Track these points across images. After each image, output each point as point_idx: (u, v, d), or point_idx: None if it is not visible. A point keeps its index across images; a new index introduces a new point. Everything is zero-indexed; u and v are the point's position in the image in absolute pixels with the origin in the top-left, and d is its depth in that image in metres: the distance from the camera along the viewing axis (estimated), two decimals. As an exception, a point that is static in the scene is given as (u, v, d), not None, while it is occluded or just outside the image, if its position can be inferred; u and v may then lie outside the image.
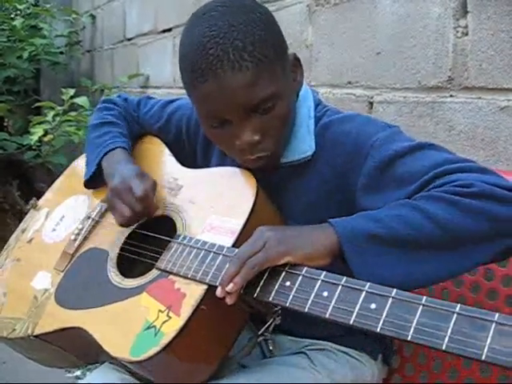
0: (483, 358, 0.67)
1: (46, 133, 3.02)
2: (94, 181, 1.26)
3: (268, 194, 1.08)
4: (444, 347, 0.70)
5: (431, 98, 1.47)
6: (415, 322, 0.73)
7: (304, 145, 1.07)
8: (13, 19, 3.84)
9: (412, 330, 0.73)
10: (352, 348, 1.14)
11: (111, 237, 1.19)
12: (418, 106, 1.51)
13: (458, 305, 0.72)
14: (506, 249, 0.89)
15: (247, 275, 0.87)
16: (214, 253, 0.98)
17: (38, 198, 1.50)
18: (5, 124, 4.66)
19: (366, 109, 1.67)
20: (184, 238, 1.06)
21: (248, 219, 1.01)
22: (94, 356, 1.14)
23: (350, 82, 1.73)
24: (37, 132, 2.82)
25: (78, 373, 2.42)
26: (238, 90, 0.95)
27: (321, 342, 1.14)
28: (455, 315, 0.71)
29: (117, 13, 3.72)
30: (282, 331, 1.15)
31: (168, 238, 1.09)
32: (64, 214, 1.35)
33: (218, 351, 0.99)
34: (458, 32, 1.38)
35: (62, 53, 4.15)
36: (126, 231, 1.18)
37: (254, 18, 0.97)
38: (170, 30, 2.98)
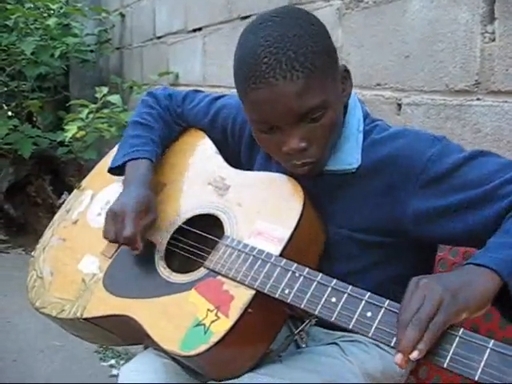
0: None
1: (79, 129, 3.11)
2: (118, 170, 1.33)
3: (312, 202, 1.12)
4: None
5: (458, 101, 1.51)
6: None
7: (350, 157, 1.11)
8: (45, 18, 3.95)
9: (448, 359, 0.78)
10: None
11: (159, 230, 1.24)
12: (445, 109, 1.55)
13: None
14: None
15: (431, 342, 0.79)
16: (263, 260, 1.03)
17: (70, 192, 1.54)
18: (33, 119, 4.76)
19: (395, 110, 1.71)
20: (232, 240, 1.11)
21: (295, 229, 1.05)
22: (139, 340, 1.20)
23: (379, 84, 1.78)
24: (71, 129, 2.91)
25: (113, 361, 2.51)
26: (289, 98, 1.00)
27: (352, 334, 1.18)
28: (488, 350, 0.76)
29: (146, 11, 3.79)
30: (315, 324, 1.20)
31: (216, 239, 1.13)
32: (109, 199, 1.37)
33: (259, 348, 1.06)
34: (485, 38, 1.42)
35: (92, 51, 4.24)
36: (173, 226, 1.23)
37: (308, 29, 1.02)
38: (200, 29, 3.04)
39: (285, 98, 1.00)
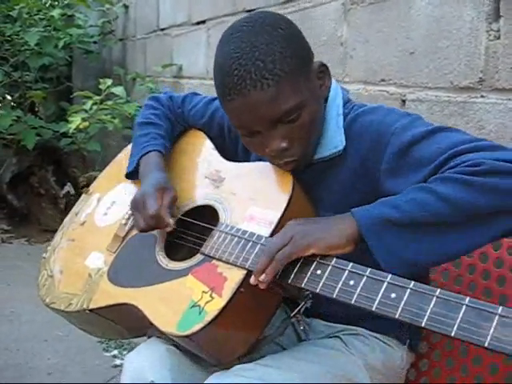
0: (486, 345, 0.76)
1: (82, 121, 3.12)
2: (135, 173, 1.38)
3: (303, 188, 1.16)
4: (453, 334, 0.79)
5: (462, 98, 1.52)
6: (429, 310, 0.83)
7: (335, 140, 1.15)
8: (48, 9, 3.95)
9: (426, 317, 0.82)
10: (382, 333, 1.22)
11: None
12: (449, 106, 1.56)
13: (467, 298, 0.81)
14: None
15: (277, 267, 0.99)
16: (253, 242, 1.08)
17: (73, 183, 1.62)
18: (36, 109, 4.77)
19: (399, 106, 1.72)
20: (226, 226, 1.16)
21: (284, 211, 1.10)
22: (143, 329, 1.25)
23: (383, 80, 1.79)
24: (75, 121, 2.92)
25: (115, 352, 2.54)
26: (262, 106, 1.04)
27: (353, 327, 1.22)
28: (464, 306, 0.80)
29: (150, 3, 3.80)
30: (316, 316, 1.24)
31: (211, 226, 1.18)
32: (114, 199, 1.46)
33: (254, 328, 1.10)
34: (490, 35, 1.43)
35: (95, 42, 4.25)
36: (174, 218, 1.27)
37: (276, 35, 1.06)
38: (204, 22, 3.04)
39: (258, 106, 1.05)
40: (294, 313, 1.18)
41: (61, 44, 3.78)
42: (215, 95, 1.44)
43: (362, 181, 1.12)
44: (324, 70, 1.15)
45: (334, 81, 1.21)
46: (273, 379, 1.06)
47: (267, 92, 1.03)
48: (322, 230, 1.00)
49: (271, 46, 1.04)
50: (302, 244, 0.98)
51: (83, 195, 1.59)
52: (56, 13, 3.65)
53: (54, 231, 1.60)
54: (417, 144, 1.03)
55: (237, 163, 1.30)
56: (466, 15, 1.49)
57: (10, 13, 3.76)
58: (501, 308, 0.77)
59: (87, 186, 1.65)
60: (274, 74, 1.03)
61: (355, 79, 1.91)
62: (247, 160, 1.31)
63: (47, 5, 4.05)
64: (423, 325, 0.83)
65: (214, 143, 1.39)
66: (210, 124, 1.41)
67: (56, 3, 3.86)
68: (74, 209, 1.58)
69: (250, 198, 1.18)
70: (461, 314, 0.80)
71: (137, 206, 1.25)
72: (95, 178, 1.64)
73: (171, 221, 1.22)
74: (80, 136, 3.59)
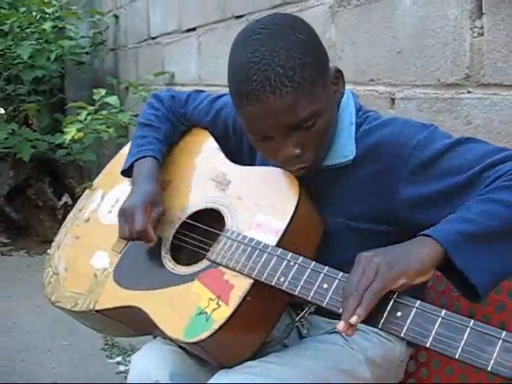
0: (489, 369, 0.78)
1: (77, 131, 3.14)
2: (128, 172, 1.39)
3: (310, 195, 1.17)
4: (457, 356, 0.81)
5: (450, 95, 1.55)
6: (434, 331, 0.84)
7: (345, 150, 1.15)
8: (39, 21, 3.97)
9: (431, 338, 0.84)
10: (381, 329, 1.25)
11: (164, 225, 1.30)
12: (437, 102, 1.59)
13: (472, 320, 0.83)
14: None
15: (369, 306, 0.89)
16: (260, 250, 1.09)
17: (70, 194, 1.63)
18: (29, 122, 4.78)
19: (389, 105, 1.76)
20: (233, 232, 1.16)
21: (291, 220, 1.11)
22: (149, 330, 1.25)
23: (372, 80, 1.82)
24: (70, 132, 2.95)
25: (119, 358, 2.56)
26: (280, 113, 1.04)
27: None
28: (468, 329, 0.82)
29: (140, 12, 3.82)
30: (317, 313, 1.25)
31: (218, 232, 1.19)
32: (118, 197, 1.44)
33: (260, 334, 1.11)
34: (474, 32, 1.46)
35: (87, 53, 4.27)
36: (178, 221, 1.29)
37: (295, 40, 1.05)
38: (194, 29, 3.07)
39: (276, 113, 1.04)
40: (299, 317, 1.21)
41: (53, 56, 3.81)
42: (218, 93, 1.45)
43: (375, 191, 1.13)
44: (339, 75, 1.15)
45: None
46: (277, 375, 1.09)
47: (285, 99, 1.03)
48: (405, 258, 0.93)
49: (291, 52, 1.03)
50: (392, 275, 0.91)
51: (87, 190, 1.59)
52: (48, 25, 3.68)
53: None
54: (441, 157, 1.05)
55: (243, 166, 1.30)
56: (449, 14, 1.52)
57: (2, 27, 3.79)
58: (504, 333, 0.79)
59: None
60: (293, 81, 1.02)
61: (345, 80, 1.93)
62: (253, 160, 1.31)
63: (37, 17, 4.08)
64: (428, 345, 0.84)
65: (218, 142, 1.39)
66: (215, 123, 1.40)
67: (47, 16, 3.88)
68: (78, 204, 1.58)
69: (256, 203, 1.18)
70: (465, 337, 0.81)
71: (125, 216, 1.25)
72: (92, 187, 1.65)
73: (154, 238, 1.23)
74: (75, 147, 3.61)
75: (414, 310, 0.88)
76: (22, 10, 4.00)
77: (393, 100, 1.75)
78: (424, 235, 0.95)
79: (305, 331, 1.27)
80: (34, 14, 4.09)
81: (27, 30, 3.86)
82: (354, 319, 0.89)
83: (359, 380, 1.18)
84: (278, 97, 1.03)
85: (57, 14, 3.92)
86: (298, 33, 1.07)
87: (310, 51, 1.06)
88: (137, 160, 1.36)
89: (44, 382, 2.39)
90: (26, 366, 2.52)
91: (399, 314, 0.89)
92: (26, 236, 4.24)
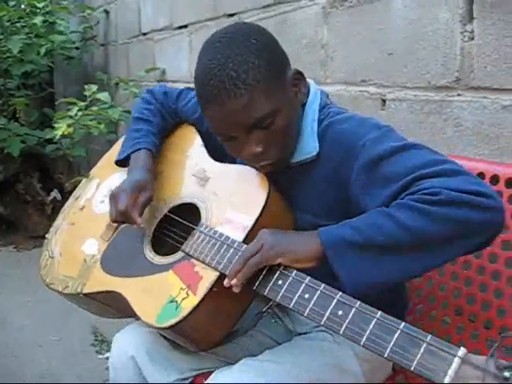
0: (412, 369, 0.83)
1: (68, 127, 3.13)
2: (123, 162, 1.46)
3: (280, 191, 1.22)
4: (385, 355, 0.86)
5: (440, 97, 1.58)
6: (368, 331, 0.89)
7: (309, 146, 1.20)
8: (29, 16, 3.95)
9: (365, 337, 0.89)
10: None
11: (149, 216, 1.38)
12: (427, 104, 1.62)
13: (403, 323, 0.87)
14: (478, 245, 1.00)
15: (246, 273, 1.06)
16: (227, 245, 1.16)
17: (59, 189, 1.70)
18: (17, 116, 4.76)
19: (379, 106, 1.79)
20: (206, 227, 1.23)
21: (258, 217, 1.17)
22: (130, 313, 1.32)
23: (363, 80, 1.85)
24: (61, 127, 2.95)
25: (108, 354, 2.56)
26: (236, 113, 1.11)
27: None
28: (398, 331, 0.87)
29: (131, 8, 3.82)
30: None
31: (193, 226, 1.26)
32: (111, 188, 1.47)
33: (227, 322, 1.18)
34: (464, 36, 1.49)
35: (77, 48, 4.26)
36: (161, 214, 1.36)
37: (249, 45, 1.11)
38: (185, 26, 3.08)
39: (232, 114, 1.11)
40: (265, 309, 1.32)
41: (43, 51, 3.79)
42: None
43: (334, 187, 1.17)
44: (299, 77, 1.20)
45: (314, 85, 1.26)
46: (273, 372, 1.14)
47: (240, 100, 1.09)
48: (290, 243, 1.06)
49: (244, 57, 1.10)
50: (271, 254, 1.05)
51: (84, 179, 1.68)
52: (38, 20, 3.66)
53: (42, 237, 1.66)
54: (385, 159, 1.06)
55: (222, 164, 1.36)
56: (441, 17, 1.55)
57: (-9, 21, 3.76)
58: (429, 337, 0.84)
59: (73, 191, 1.71)
60: (246, 84, 1.09)
61: (336, 80, 1.96)
62: (233, 158, 1.35)
63: (27, 12, 4.05)
64: (362, 344, 0.89)
65: (204, 139, 1.46)
66: (201, 120, 1.46)
67: (37, 10, 3.86)
68: (75, 192, 1.67)
69: (228, 200, 1.25)
70: (394, 338, 0.86)
71: (113, 198, 1.34)
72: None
73: (139, 220, 1.30)
74: (65, 142, 3.60)
75: (354, 309, 0.93)
76: (12, 3, 3.98)
77: (384, 101, 1.78)
78: (318, 231, 1.04)
79: (291, 325, 1.34)
80: (24, 8, 4.07)
81: (17, 24, 3.84)
82: (234, 281, 1.06)
83: (351, 374, 1.22)
84: (232, 98, 1.09)
85: (47, 9, 3.89)
86: (253, 39, 1.13)
87: (264, 55, 1.12)
88: (133, 152, 1.43)
89: (35, 377, 2.41)
90: (17, 361, 2.53)
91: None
92: (15, 231, 4.22)
